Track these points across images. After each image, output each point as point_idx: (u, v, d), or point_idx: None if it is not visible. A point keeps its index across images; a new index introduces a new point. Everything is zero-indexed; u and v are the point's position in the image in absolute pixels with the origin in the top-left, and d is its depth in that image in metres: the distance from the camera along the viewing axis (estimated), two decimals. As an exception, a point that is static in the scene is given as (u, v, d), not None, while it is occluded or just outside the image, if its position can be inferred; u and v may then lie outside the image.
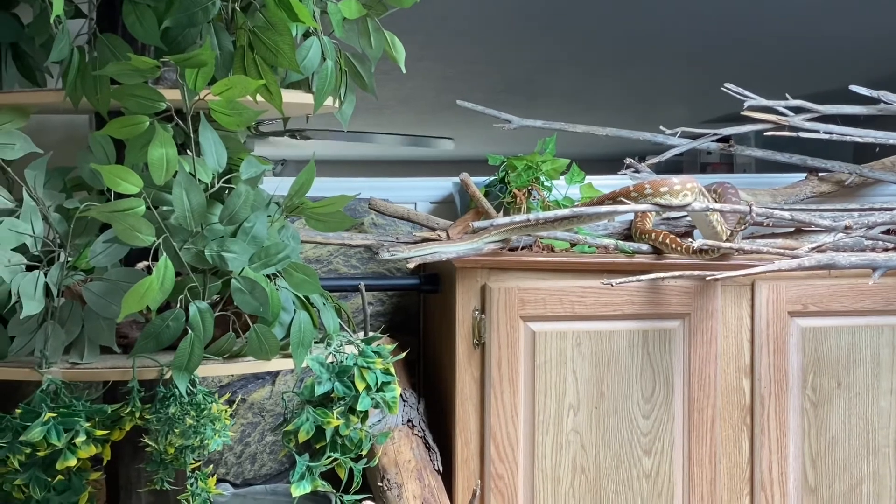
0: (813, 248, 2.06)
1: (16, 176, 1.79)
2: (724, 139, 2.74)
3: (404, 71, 2.15)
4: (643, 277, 2.12)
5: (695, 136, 2.69)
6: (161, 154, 1.63)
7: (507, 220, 2.08)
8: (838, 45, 4.34)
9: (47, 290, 1.76)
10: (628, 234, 2.46)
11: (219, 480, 2.51)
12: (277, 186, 1.98)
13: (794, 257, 2.06)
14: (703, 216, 2.24)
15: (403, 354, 2.09)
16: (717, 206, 2.13)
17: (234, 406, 2.47)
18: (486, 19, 4.60)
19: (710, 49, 4.62)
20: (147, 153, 1.66)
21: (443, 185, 2.72)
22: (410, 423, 2.38)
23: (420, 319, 2.68)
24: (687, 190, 2.14)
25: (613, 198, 2.17)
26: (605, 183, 2.60)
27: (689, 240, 2.37)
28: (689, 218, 2.45)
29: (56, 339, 1.77)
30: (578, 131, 2.68)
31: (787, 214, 2.06)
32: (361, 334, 2.25)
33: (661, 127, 2.60)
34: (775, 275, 2.30)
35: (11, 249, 1.74)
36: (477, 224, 2.01)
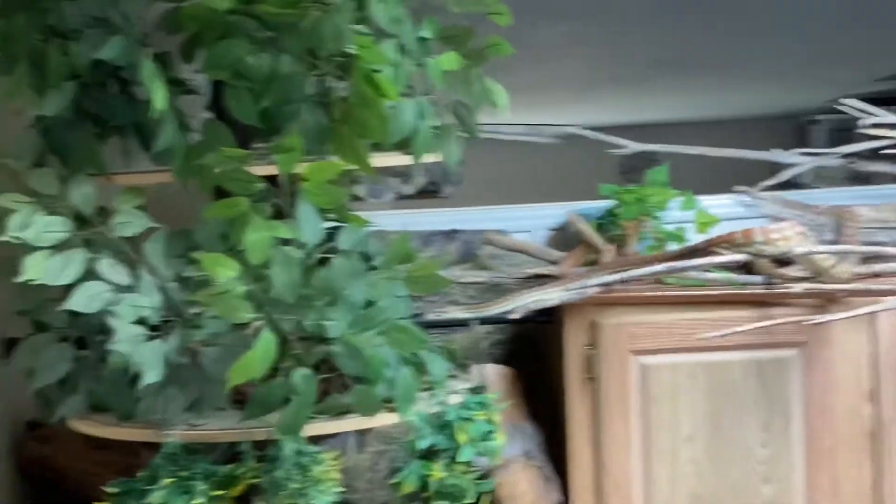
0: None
1: (134, 254, 1.91)
2: (850, 154, 2.70)
3: (507, 115, 2.21)
4: (748, 327, 2.14)
5: (817, 154, 2.67)
6: (257, 238, 1.73)
7: (599, 280, 2.13)
8: None
9: (167, 357, 1.88)
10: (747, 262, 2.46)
11: (351, 505, 2.63)
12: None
13: (906, 293, 2.03)
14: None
15: (507, 405, 2.15)
16: (822, 248, 2.12)
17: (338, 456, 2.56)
18: (625, 6, 4.59)
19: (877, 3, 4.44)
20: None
21: (559, 213, 2.75)
22: (528, 455, 2.44)
23: (540, 347, 2.73)
24: (786, 238, 2.15)
25: (716, 244, 2.18)
26: (718, 204, 2.60)
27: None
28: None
29: (176, 402, 1.90)
30: (693, 153, 2.70)
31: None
32: (476, 369, 2.33)
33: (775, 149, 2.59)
34: (894, 301, 2.28)
35: (131, 323, 1.87)
36: (570, 284, 2.06)
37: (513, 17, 2.06)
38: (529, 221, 2.75)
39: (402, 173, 7.66)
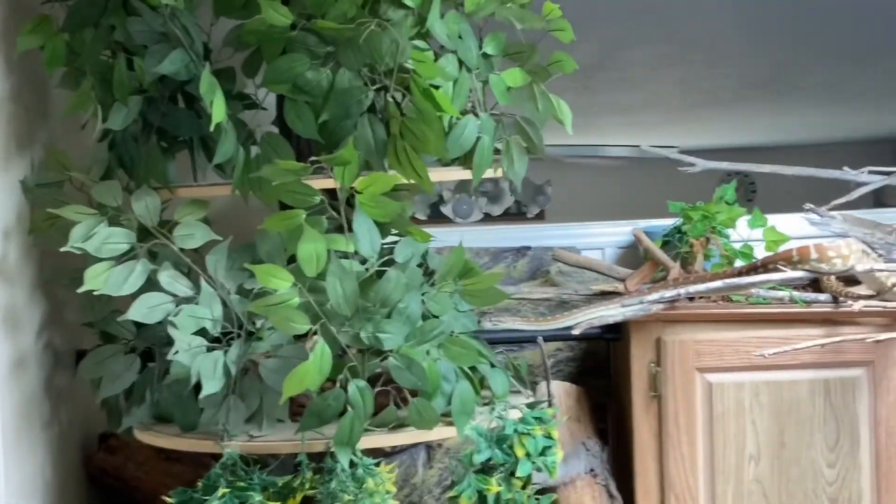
0: None
1: (194, 265, 1.94)
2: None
3: (570, 132, 2.19)
4: (809, 343, 2.10)
5: (888, 174, 2.61)
6: (310, 249, 1.75)
7: (656, 295, 2.12)
8: None
9: (227, 369, 1.91)
10: (815, 279, 2.42)
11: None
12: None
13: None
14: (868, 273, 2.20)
15: (565, 419, 2.14)
16: (881, 266, 2.08)
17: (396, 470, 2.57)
18: (718, 28, 4.55)
19: None
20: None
21: (629, 231, 2.74)
22: (593, 472, 2.42)
23: (609, 364, 2.71)
24: (843, 256, 2.12)
25: (774, 261, 2.15)
26: (788, 223, 2.56)
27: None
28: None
29: (237, 413, 1.92)
30: (765, 171, 2.66)
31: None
32: (544, 385, 2.32)
33: (845, 168, 2.54)
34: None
35: (192, 333, 1.90)
36: (627, 301, 2.05)
37: (600, 39, 2.06)
38: (601, 239, 2.74)
39: (490, 194, 7.69)
